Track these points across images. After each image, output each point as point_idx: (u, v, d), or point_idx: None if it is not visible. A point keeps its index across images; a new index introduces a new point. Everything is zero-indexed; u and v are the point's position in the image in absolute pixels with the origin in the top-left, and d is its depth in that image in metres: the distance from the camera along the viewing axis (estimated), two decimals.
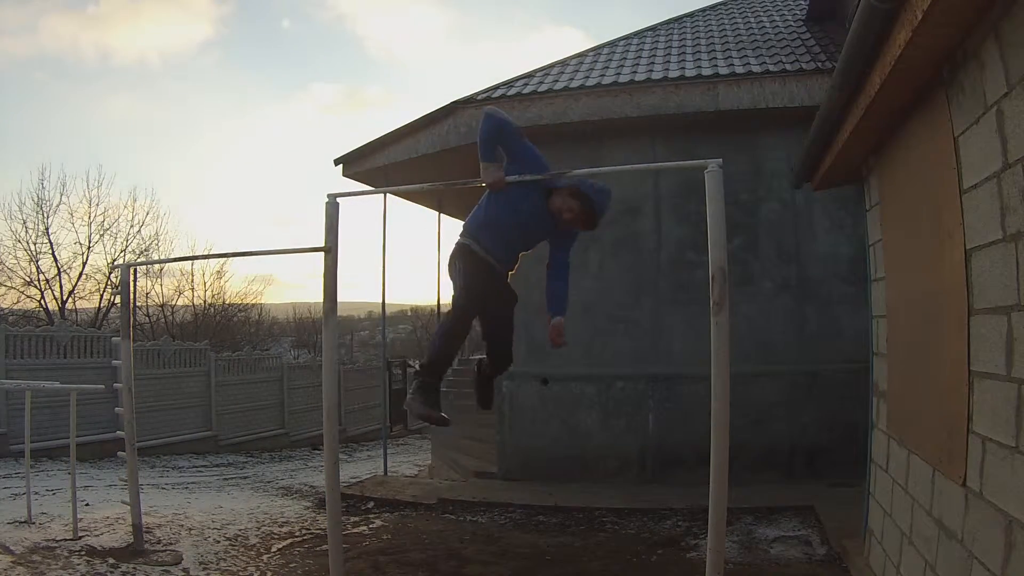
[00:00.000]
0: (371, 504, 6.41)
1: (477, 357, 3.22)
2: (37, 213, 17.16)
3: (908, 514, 3.03)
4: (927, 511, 2.75)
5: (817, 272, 6.85)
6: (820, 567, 4.29)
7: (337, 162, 9.42)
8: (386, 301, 9.03)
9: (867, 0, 2.25)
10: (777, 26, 8.32)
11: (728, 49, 7.59)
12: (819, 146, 3.80)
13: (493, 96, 7.58)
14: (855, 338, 5.88)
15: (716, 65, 7.11)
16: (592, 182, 2.97)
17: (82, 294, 17.83)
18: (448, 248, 3.21)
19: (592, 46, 8.84)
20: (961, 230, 2.33)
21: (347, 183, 9.46)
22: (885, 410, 3.65)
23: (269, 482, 8.65)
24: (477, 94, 7.73)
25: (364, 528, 5.53)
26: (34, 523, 5.04)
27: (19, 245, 16.96)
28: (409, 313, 43.22)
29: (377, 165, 9.04)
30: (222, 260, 21.61)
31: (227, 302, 21.98)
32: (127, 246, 18.38)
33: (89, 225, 17.82)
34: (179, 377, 12.08)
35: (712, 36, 8.28)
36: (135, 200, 28.68)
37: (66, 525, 4.87)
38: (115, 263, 17.74)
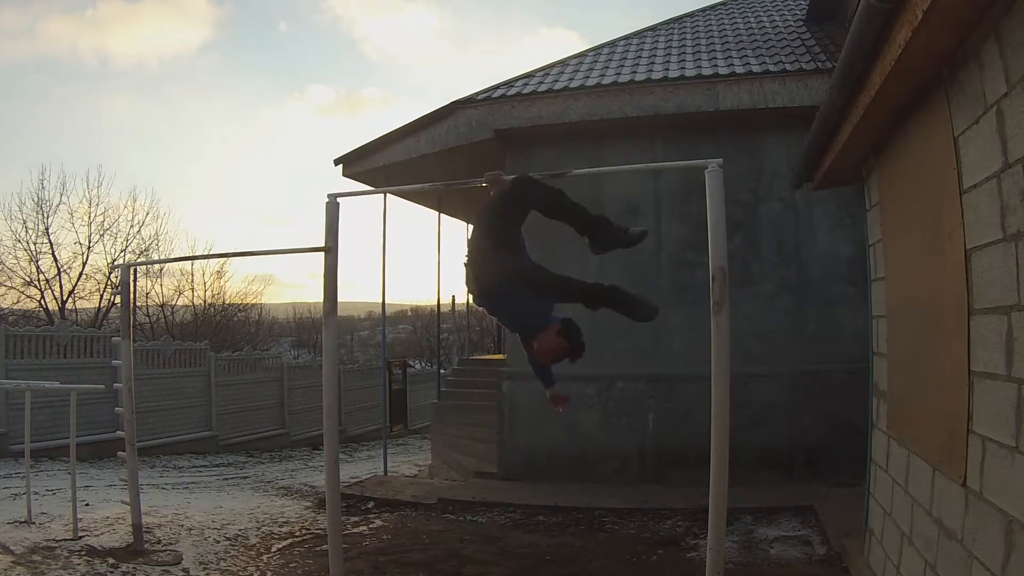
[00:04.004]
0: (371, 504, 6.41)
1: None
2: (37, 213, 17.14)
3: (908, 514, 3.03)
4: (927, 511, 2.74)
5: (817, 272, 6.84)
6: (820, 567, 4.29)
7: (337, 162, 9.43)
8: (386, 301, 9.04)
9: (867, 0, 2.25)
10: (777, 26, 8.32)
11: (728, 49, 7.59)
12: (819, 146, 3.80)
13: (493, 96, 7.58)
14: (855, 338, 5.88)
15: (716, 65, 7.11)
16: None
17: (82, 294, 17.82)
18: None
19: (588, 47, 8.86)
20: (961, 230, 2.32)
21: (347, 183, 9.50)
22: (885, 410, 3.64)
23: (269, 482, 8.64)
24: (477, 94, 7.73)
25: (364, 528, 5.53)
26: (34, 523, 5.04)
27: (19, 245, 16.95)
28: (409, 313, 43.20)
29: (377, 165, 9.06)
30: (222, 260, 21.63)
31: (227, 302, 21.98)
32: (127, 246, 18.39)
33: (89, 225, 17.82)
34: (179, 377, 12.08)
35: (712, 36, 8.28)
36: (135, 200, 28.76)
37: (66, 525, 4.87)
38: (115, 263, 17.72)
